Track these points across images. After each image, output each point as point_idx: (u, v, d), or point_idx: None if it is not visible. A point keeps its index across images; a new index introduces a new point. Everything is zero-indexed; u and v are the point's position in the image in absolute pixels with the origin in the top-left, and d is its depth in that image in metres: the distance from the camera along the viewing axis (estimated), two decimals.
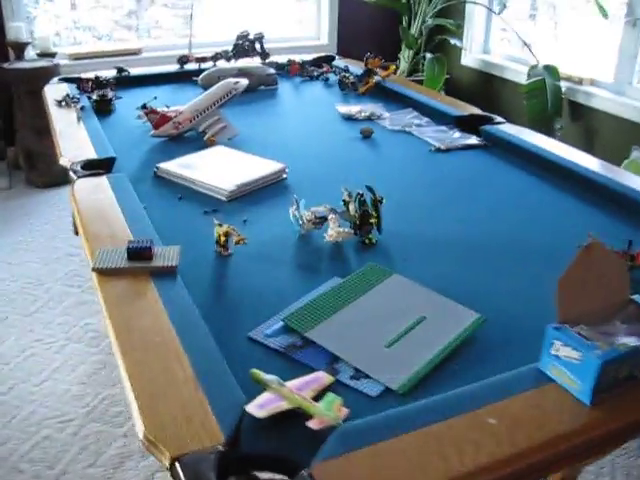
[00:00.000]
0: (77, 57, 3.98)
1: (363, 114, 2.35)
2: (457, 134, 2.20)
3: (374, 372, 1.04)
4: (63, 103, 2.36)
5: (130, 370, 0.96)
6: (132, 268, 1.23)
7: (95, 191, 1.63)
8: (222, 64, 2.94)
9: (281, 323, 1.15)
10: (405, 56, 4.36)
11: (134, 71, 2.85)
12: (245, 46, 2.96)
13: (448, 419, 0.90)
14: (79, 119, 2.20)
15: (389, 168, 1.92)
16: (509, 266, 1.38)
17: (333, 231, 1.43)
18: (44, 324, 2.52)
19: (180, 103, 2.33)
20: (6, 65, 3.64)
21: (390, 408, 0.95)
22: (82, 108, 2.27)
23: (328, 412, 0.91)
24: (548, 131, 3.53)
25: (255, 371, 0.99)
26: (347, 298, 1.22)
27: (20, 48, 3.70)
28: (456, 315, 1.18)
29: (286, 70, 2.94)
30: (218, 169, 1.80)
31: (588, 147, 3.65)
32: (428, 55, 3.94)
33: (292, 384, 0.97)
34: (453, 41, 3.97)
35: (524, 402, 0.95)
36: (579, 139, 3.69)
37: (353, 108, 2.41)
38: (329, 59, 3.11)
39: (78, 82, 2.65)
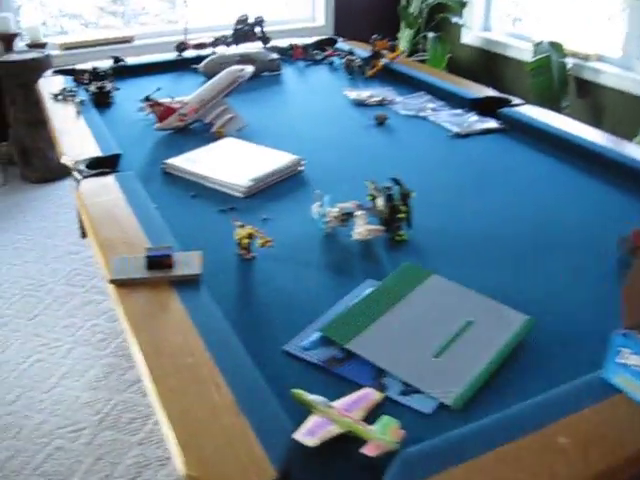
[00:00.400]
0: (68, 47, 3.84)
1: (374, 99, 2.25)
2: (474, 118, 2.11)
3: (425, 386, 0.96)
4: (60, 97, 2.25)
5: (164, 399, 0.88)
6: (152, 278, 1.14)
7: (103, 192, 1.53)
8: (221, 50, 2.82)
9: (318, 334, 1.07)
10: (405, 36, 4.25)
11: (130, 60, 2.74)
12: (245, 31, 2.84)
13: (515, 440, 0.83)
14: (78, 113, 2.09)
15: (408, 157, 1.83)
16: (549, 260, 1.30)
17: (362, 228, 1.34)
18: (49, 327, 2.43)
19: (181, 93, 2.23)
20: None
21: (446, 426, 0.88)
22: (81, 102, 2.16)
23: (384, 436, 0.83)
24: (554, 109, 3.44)
25: (298, 391, 0.91)
26: (386, 303, 1.13)
27: (9, 40, 3.56)
28: (504, 318, 1.10)
29: (288, 55, 2.83)
30: (230, 163, 1.70)
31: (595, 124, 3.55)
32: (430, 34, 3.82)
33: (340, 404, 0.89)
34: (455, 19, 3.85)
35: (593, 417, 0.87)
36: (586, 116, 3.60)
37: (363, 93, 2.31)
38: (332, 42, 3.00)
39: (74, 74, 2.53)
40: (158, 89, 2.17)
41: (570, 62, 3.63)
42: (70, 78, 2.48)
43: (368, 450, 0.82)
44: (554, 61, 3.62)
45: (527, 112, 2.06)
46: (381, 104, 2.24)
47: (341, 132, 2.01)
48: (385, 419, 0.86)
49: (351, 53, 2.70)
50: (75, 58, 3.78)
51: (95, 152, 1.77)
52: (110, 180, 1.59)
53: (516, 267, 1.28)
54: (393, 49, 2.62)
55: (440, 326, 1.08)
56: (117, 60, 2.66)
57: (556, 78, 3.62)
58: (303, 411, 0.89)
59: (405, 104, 2.23)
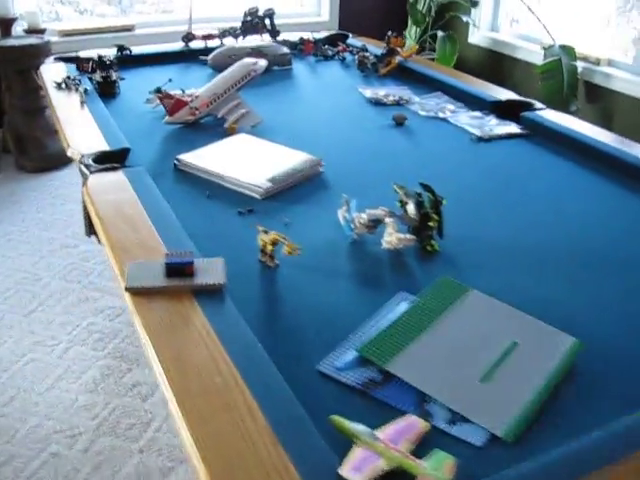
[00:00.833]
0: (67, 34, 3.73)
1: (391, 98, 2.17)
2: (494, 121, 2.04)
3: (473, 414, 0.88)
4: (63, 85, 2.15)
5: (192, 424, 0.79)
6: (172, 287, 1.06)
7: (113, 189, 1.44)
8: (229, 42, 2.73)
9: (353, 353, 0.99)
10: (411, 34, 4.17)
11: (135, 49, 2.63)
12: (254, 23, 2.75)
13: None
14: (83, 103, 2.00)
15: (431, 160, 1.75)
16: (592, 276, 1.23)
17: (393, 237, 1.26)
18: (44, 324, 2.33)
19: (189, 85, 2.14)
20: None
21: (499, 461, 0.81)
22: (85, 91, 2.06)
23: (437, 473, 0.75)
24: (563, 113, 3.38)
25: (338, 419, 0.83)
26: (425, 321, 1.06)
27: (7, 24, 3.45)
28: (550, 339, 1.03)
29: (299, 49, 2.74)
30: (246, 162, 1.62)
31: (605, 129, 3.51)
32: (440, 33, 3.74)
33: (385, 435, 0.82)
34: (465, 18, 3.78)
35: None
36: (596, 121, 3.54)
37: (379, 91, 2.23)
38: (343, 37, 2.91)
39: (77, 62, 2.43)
40: (169, 80, 2.07)
41: (580, 66, 3.57)
42: (73, 66, 2.38)
43: None
44: (565, 64, 3.56)
45: (551, 117, 1.99)
46: (398, 103, 2.16)
47: (358, 132, 1.93)
48: (439, 454, 0.78)
49: (364, 49, 2.62)
50: (75, 45, 3.66)
51: (102, 145, 1.68)
52: (120, 176, 1.50)
53: (555, 283, 1.20)
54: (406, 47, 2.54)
55: (484, 347, 1.01)
56: (121, 49, 2.56)
57: (566, 82, 3.56)
58: (342, 440, 0.81)
59: (423, 104, 2.15)
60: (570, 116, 2.05)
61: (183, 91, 1.95)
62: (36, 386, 2.05)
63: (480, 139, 1.90)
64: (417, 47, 2.50)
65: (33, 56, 3.26)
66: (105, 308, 2.42)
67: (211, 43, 2.72)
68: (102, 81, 2.20)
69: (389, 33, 2.51)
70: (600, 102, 3.57)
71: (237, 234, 1.34)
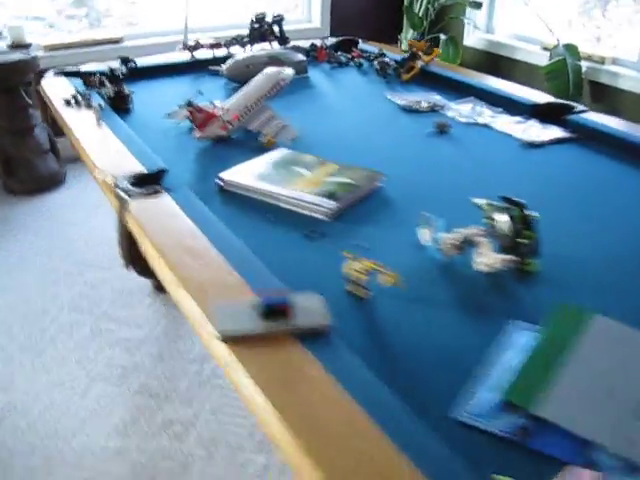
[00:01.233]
0: (53, 48, 3.54)
1: (425, 105, 2.05)
2: (537, 125, 1.94)
3: None
4: (73, 102, 1.99)
5: None
6: (272, 332, 0.92)
7: (164, 215, 1.29)
8: (236, 50, 2.60)
9: (490, 397, 0.86)
10: (408, 37, 4.08)
11: (139, 61, 2.48)
12: (263, 30, 2.62)
13: None
14: (99, 120, 1.84)
15: (487, 170, 1.64)
16: None
17: (491, 258, 1.14)
18: (59, 362, 2.16)
19: (206, 98, 2.00)
20: None
21: None
22: (100, 106, 1.90)
23: None
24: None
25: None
26: (559, 354, 0.93)
27: None
28: None
29: (312, 56, 2.61)
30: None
31: None
32: (442, 36, 3.65)
33: None
34: (467, 20, 3.70)
35: None
36: None
37: (410, 98, 2.12)
38: (353, 43, 2.79)
39: (80, 76, 2.27)
40: (200, 93, 1.93)
41: (584, 65, 3.52)
42: (77, 80, 2.22)
43: None
44: (570, 64, 3.50)
45: (597, 119, 1.90)
46: (433, 110, 2.05)
47: (402, 141, 1.81)
48: None
49: (383, 55, 2.50)
50: (61, 60, 3.50)
51: (134, 166, 1.52)
52: (166, 200, 1.35)
53: None
54: (428, 51, 2.43)
55: (629, 379, 0.89)
56: (126, 61, 2.40)
57: (572, 81, 3.50)
58: None
59: (459, 110, 2.04)
60: (614, 117, 1.96)
61: (213, 104, 1.81)
62: (61, 433, 1.87)
63: (529, 145, 1.80)
64: (439, 51, 2.39)
65: (21, 73, 3.08)
66: (122, 340, 2.25)
67: (218, 52, 2.58)
68: (114, 96, 2.04)
69: (411, 37, 2.40)
70: (606, 101, 3.52)
71: (310, 261, 1.20)
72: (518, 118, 1.99)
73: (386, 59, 2.43)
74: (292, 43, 2.69)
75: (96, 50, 3.62)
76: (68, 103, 1.99)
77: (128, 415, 1.93)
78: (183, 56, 2.59)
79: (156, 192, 1.39)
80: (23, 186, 3.28)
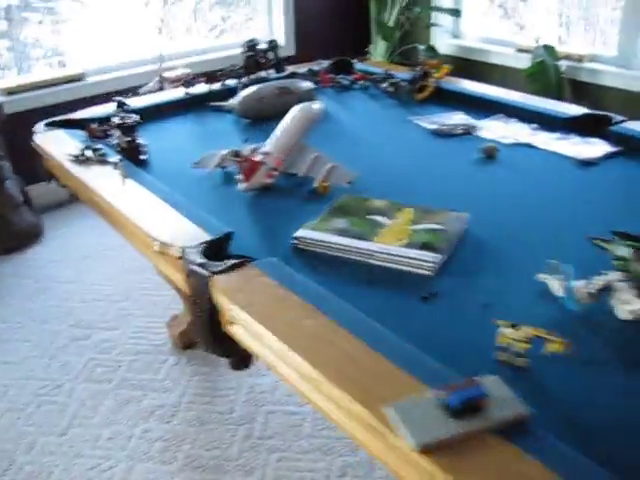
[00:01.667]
0: (11, 91, 3.28)
1: (460, 128, 1.96)
2: (578, 139, 1.88)
3: None
4: (82, 158, 1.80)
5: None
6: (470, 432, 0.79)
7: (264, 296, 1.14)
8: (231, 83, 2.44)
9: None
10: (378, 49, 4.00)
11: (131, 103, 2.29)
12: (259, 58, 2.48)
13: None
14: (124, 178, 1.67)
15: (569, 200, 1.53)
16: None
17: (635, 304, 1.05)
18: (89, 442, 1.95)
19: (220, 140, 1.86)
20: None
21: None
22: (121, 162, 1.73)
23: None
24: None
25: None
26: None
27: None
28: None
29: (314, 82, 2.49)
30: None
31: None
32: (420, 47, 3.59)
33: None
34: (442, 29, 3.65)
35: None
36: None
37: (437, 120, 2.03)
38: (344, 64, 2.68)
39: (72, 125, 2.08)
40: (246, 140, 1.77)
41: (563, 65, 3.53)
42: (77, 132, 2.02)
43: None
44: (549, 65, 3.51)
45: (636, 128, 1.86)
46: (469, 133, 1.96)
47: (453, 173, 1.71)
48: None
49: (391, 75, 2.40)
50: (23, 103, 3.26)
51: (193, 231, 1.37)
52: (255, 272, 1.20)
53: None
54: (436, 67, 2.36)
55: None
56: (121, 105, 2.21)
57: (553, 82, 3.51)
58: None
59: (494, 131, 1.96)
60: None
61: (253, 149, 1.66)
62: None
63: (585, 163, 1.73)
64: (450, 68, 2.31)
65: None
66: (154, 408, 2.07)
67: (213, 86, 2.42)
68: (127, 147, 1.86)
69: (422, 54, 2.31)
70: (588, 99, 3.53)
71: (440, 327, 1.08)
72: (558, 134, 1.93)
73: (394, 79, 2.33)
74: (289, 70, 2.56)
75: (60, 89, 3.38)
76: (77, 159, 1.81)
77: None
78: (175, 93, 2.42)
79: (242, 264, 1.23)
80: (1, 245, 3.02)
